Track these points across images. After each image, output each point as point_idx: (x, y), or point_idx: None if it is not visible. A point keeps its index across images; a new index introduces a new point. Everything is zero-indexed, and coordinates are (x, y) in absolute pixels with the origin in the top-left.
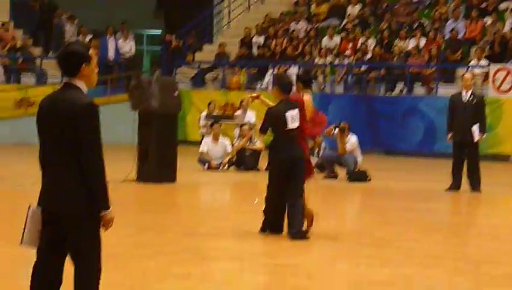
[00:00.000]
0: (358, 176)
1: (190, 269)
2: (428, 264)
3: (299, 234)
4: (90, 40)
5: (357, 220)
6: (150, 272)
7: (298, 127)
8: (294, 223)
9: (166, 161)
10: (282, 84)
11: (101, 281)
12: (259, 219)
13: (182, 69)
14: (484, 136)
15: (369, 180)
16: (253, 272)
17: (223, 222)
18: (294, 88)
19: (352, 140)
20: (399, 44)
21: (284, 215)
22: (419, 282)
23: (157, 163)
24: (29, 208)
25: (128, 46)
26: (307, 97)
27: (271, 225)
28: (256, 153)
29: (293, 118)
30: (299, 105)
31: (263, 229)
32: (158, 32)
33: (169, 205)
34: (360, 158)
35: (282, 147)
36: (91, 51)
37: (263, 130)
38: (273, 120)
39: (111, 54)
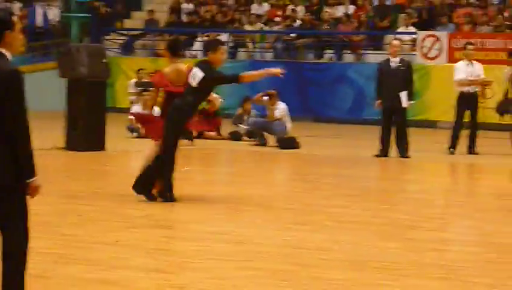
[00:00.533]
0: (287, 143)
1: (121, 237)
2: (357, 230)
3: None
4: (19, 8)
5: (286, 187)
6: (80, 240)
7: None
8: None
9: (95, 128)
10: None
11: (29, 250)
12: (189, 187)
13: (111, 36)
14: (412, 102)
15: (298, 147)
16: (184, 239)
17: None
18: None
19: (281, 107)
20: (328, 11)
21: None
22: (349, 248)
23: (86, 131)
24: None
25: (55, 13)
26: (182, 66)
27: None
28: None
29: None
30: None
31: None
32: None
33: (98, 173)
34: (289, 125)
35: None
36: (14, 18)
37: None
38: None
39: (39, 21)
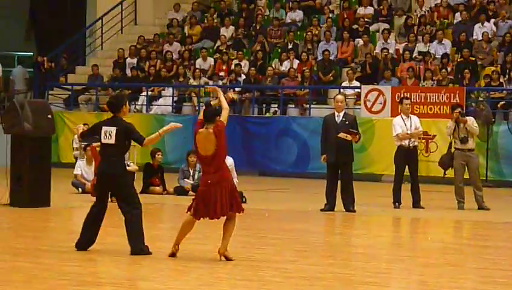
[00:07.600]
0: None
1: None
2: (305, 286)
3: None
4: None
5: (234, 242)
6: None
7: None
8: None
9: (39, 184)
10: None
11: None
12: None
13: (55, 91)
14: (359, 139)
15: (245, 201)
16: None
17: (99, 246)
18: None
19: (228, 162)
20: (272, 65)
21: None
22: None
23: (31, 187)
24: None
25: None
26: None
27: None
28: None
29: (106, 134)
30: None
31: None
32: (30, 54)
33: (43, 229)
34: (236, 180)
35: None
36: None
37: (82, 136)
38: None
39: None
